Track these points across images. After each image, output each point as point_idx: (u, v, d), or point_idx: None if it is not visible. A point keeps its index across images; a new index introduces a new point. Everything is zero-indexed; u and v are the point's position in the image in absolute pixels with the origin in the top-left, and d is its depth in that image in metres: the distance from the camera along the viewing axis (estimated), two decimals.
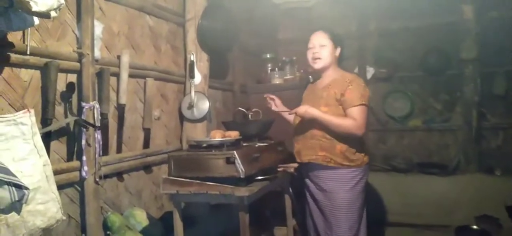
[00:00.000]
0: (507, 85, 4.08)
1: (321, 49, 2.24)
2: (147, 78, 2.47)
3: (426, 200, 3.64)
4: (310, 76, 3.35)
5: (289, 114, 2.32)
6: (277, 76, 3.57)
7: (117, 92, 2.25)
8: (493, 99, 4.14)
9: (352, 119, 2.13)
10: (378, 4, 3.91)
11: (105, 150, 2.13)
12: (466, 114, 4.06)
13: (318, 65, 2.26)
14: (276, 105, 2.50)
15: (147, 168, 2.51)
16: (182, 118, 2.82)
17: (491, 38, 3.83)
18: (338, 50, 2.28)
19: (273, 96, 2.53)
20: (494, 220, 3.79)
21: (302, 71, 3.60)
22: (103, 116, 2.08)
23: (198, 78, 2.74)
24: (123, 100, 2.24)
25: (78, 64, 1.96)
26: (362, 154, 2.24)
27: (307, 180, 2.36)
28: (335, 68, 2.30)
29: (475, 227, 3.77)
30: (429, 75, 4.21)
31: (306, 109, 2.18)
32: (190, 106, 2.70)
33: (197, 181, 1.95)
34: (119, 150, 2.28)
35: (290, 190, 2.64)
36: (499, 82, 4.06)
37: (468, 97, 4.02)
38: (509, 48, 3.83)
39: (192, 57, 2.73)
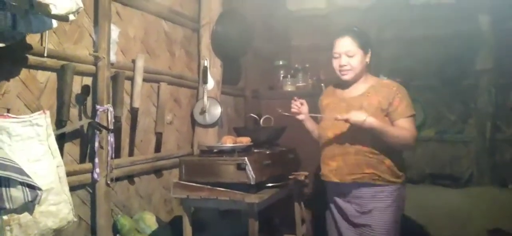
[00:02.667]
0: None
1: (350, 59, 1.97)
2: (161, 83, 2.48)
3: (439, 212, 3.58)
4: (322, 84, 3.30)
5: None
6: (289, 83, 3.55)
7: (131, 96, 2.26)
8: (508, 111, 4.06)
9: (407, 130, 1.91)
10: (395, 12, 3.88)
11: (117, 153, 2.14)
12: (480, 126, 3.99)
13: (348, 76, 2.00)
14: (303, 111, 2.19)
15: (158, 172, 2.51)
16: (194, 123, 2.82)
17: (507, 49, 3.76)
18: (369, 55, 2.02)
19: (303, 100, 2.21)
20: (507, 234, 3.72)
21: (315, 78, 3.58)
22: (117, 119, 2.09)
23: (211, 83, 2.74)
24: (136, 104, 2.25)
25: (93, 67, 1.98)
26: (404, 169, 2.05)
27: (342, 201, 2.06)
28: (367, 74, 2.06)
29: None
30: (443, 85, 4.16)
31: (365, 118, 1.84)
32: (202, 111, 2.70)
33: (208, 187, 1.94)
34: (131, 153, 2.29)
35: (300, 198, 2.61)
36: None
37: (483, 109, 3.95)
38: None
39: (206, 63, 2.74)
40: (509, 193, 3.97)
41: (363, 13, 4.01)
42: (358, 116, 1.84)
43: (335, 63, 2.02)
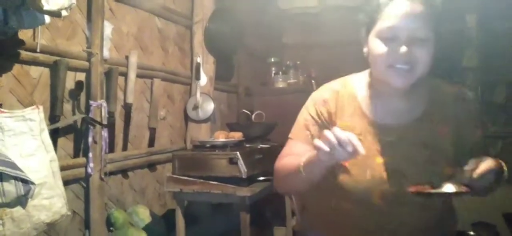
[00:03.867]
0: (507, 94, 4.04)
1: (418, 49, 1.04)
2: (154, 79, 2.46)
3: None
4: (313, 80, 3.27)
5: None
6: (281, 79, 3.56)
7: (125, 92, 2.24)
8: (493, 108, 4.10)
9: None
10: None
11: (111, 148, 2.12)
12: None
13: (406, 81, 1.06)
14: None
15: (151, 166, 2.50)
16: (187, 118, 2.81)
17: (493, 48, 3.80)
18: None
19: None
20: (491, 227, 3.76)
21: (305, 75, 3.58)
22: (110, 114, 2.07)
23: (204, 80, 2.73)
24: (130, 100, 2.24)
25: (87, 63, 1.96)
26: None
27: None
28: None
29: (472, 233, 3.74)
30: None
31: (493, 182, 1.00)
32: (195, 107, 2.69)
33: (200, 180, 1.94)
34: (124, 148, 2.27)
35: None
36: (500, 91, 4.02)
37: None
38: (510, 57, 3.79)
39: (199, 59, 2.73)
40: None
41: (355, 11, 4.01)
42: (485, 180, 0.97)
43: (381, 49, 1.05)
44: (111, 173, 2.12)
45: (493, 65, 3.90)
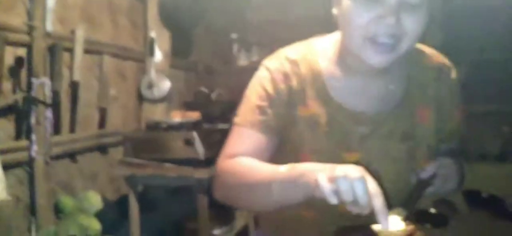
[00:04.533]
0: (469, 73, 4.28)
1: (408, 17, 0.84)
2: (103, 55, 2.42)
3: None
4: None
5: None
6: (243, 57, 3.59)
7: (71, 69, 2.20)
8: None
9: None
10: None
11: (57, 130, 2.09)
12: None
13: (389, 57, 0.87)
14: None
15: (102, 149, 2.48)
16: (141, 98, 2.79)
17: (456, 26, 3.99)
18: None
19: None
20: (451, 204, 4.02)
21: (270, 53, 3.61)
22: (55, 93, 2.03)
23: (158, 56, 2.72)
24: (77, 77, 2.20)
25: (28, 37, 1.90)
26: None
27: None
28: None
29: (433, 210, 3.98)
30: None
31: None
32: (150, 86, 2.68)
33: (155, 163, 1.95)
34: (72, 129, 2.24)
35: None
36: (462, 71, 4.24)
37: None
38: (473, 37, 4.01)
39: (153, 34, 2.70)
40: None
41: None
42: None
43: (360, 16, 0.85)
44: (58, 156, 2.09)
45: (456, 44, 4.11)
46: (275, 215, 1.03)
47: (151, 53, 2.67)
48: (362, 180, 0.69)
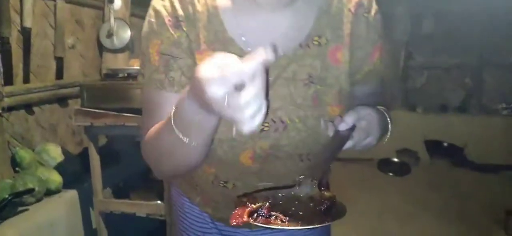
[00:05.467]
0: (434, 26, 4.32)
1: None
2: (57, 0, 2.26)
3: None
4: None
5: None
6: None
7: (21, 14, 2.04)
8: (421, 39, 4.38)
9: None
10: None
11: (9, 79, 1.96)
12: (395, 53, 4.28)
13: None
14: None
15: (61, 101, 2.37)
16: (101, 48, 2.65)
17: None
18: None
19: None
20: (413, 153, 4.17)
21: None
22: (4, 40, 1.89)
23: (118, 3, 2.56)
24: (28, 24, 2.04)
25: None
26: None
27: None
28: None
29: (395, 159, 4.12)
30: None
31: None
32: (110, 35, 2.54)
33: (113, 113, 1.87)
34: (26, 80, 2.11)
35: None
36: (428, 23, 4.29)
37: (398, 37, 4.21)
38: None
39: None
40: (417, 116, 4.40)
41: None
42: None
43: None
44: (11, 108, 1.97)
45: None
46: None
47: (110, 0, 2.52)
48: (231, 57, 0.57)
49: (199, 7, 0.81)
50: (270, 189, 0.76)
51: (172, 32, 0.81)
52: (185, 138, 0.68)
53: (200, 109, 0.62)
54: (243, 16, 0.82)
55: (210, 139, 0.72)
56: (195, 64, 0.81)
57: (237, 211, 0.68)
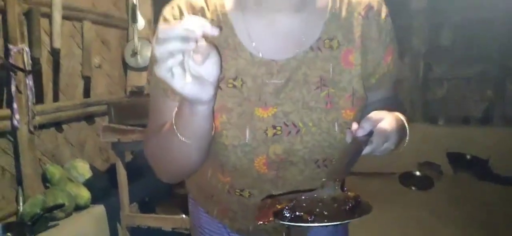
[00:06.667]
0: (453, 36, 4.25)
1: None
2: (84, 21, 2.33)
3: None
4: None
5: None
6: None
7: (51, 35, 2.11)
8: (439, 50, 4.32)
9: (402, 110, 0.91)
10: None
11: (39, 98, 2.02)
12: (414, 65, 4.23)
13: None
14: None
15: (89, 118, 2.42)
16: (126, 66, 2.71)
17: None
18: None
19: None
20: (435, 166, 4.07)
21: None
22: (35, 61, 1.95)
23: (141, 23, 2.62)
24: (57, 44, 2.11)
25: (1, 2, 1.80)
26: None
27: None
28: None
29: (418, 173, 4.03)
30: None
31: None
32: (134, 54, 2.60)
33: (139, 129, 1.90)
34: (55, 99, 2.17)
35: None
36: (446, 34, 4.23)
37: (416, 48, 4.17)
38: (457, 0, 3.96)
39: (134, 0, 2.60)
40: (438, 129, 4.31)
41: None
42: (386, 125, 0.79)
43: None
44: (42, 126, 2.03)
45: (441, 8, 4.06)
46: (198, 179, 0.94)
47: (134, 19, 2.58)
48: (163, 26, 0.59)
49: (208, 14, 0.82)
50: (291, 192, 0.75)
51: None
52: (180, 135, 0.71)
53: (184, 102, 0.66)
54: (252, 21, 0.82)
55: (202, 137, 0.73)
56: None
57: (262, 210, 0.67)
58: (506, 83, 4.24)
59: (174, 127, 0.71)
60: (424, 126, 4.15)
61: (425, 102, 4.32)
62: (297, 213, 0.66)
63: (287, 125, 0.82)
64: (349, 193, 0.71)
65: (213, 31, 0.59)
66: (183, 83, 0.61)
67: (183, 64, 0.61)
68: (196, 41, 0.59)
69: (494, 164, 3.99)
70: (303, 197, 0.70)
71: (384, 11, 0.87)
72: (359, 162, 0.79)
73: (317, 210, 0.66)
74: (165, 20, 0.83)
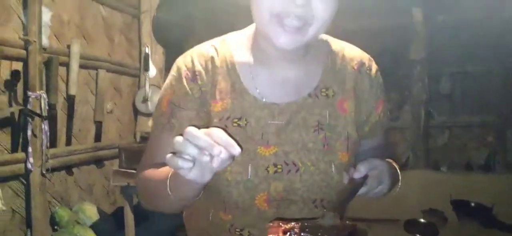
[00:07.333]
0: (452, 85, 4.35)
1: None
2: (99, 70, 2.42)
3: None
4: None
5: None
6: None
7: (67, 83, 2.19)
8: (439, 98, 4.39)
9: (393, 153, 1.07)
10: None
11: (53, 143, 2.07)
12: (415, 113, 4.29)
13: (297, 40, 0.83)
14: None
15: (98, 162, 2.46)
16: (136, 112, 2.79)
17: (438, 41, 4.06)
18: None
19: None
20: (439, 213, 4.03)
21: None
22: (51, 106, 2.02)
23: (153, 71, 2.72)
24: (73, 91, 2.19)
25: (24, 52, 1.90)
26: None
27: None
28: None
29: (422, 220, 3.98)
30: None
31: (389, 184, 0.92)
32: (145, 100, 2.67)
33: None
34: (68, 142, 2.23)
35: None
36: (445, 83, 4.32)
37: (417, 97, 4.24)
38: (455, 50, 4.08)
39: (147, 50, 2.71)
40: (441, 175, 4.30)
41: None
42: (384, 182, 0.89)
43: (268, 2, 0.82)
44: (54, 169, 2.07)
45: (439, 58, 4.18)
46: (199, 220, 0.98)
47: (146, 68, 2.68)
48: (193, 130, 0.65)
49: (218, 62, 0.91)
50: (295, 219, 0.79)
51: (186, 84, 0.89)
52: (169, 190, 0.77)
53: (185, 181, 0.71)
54: (257, 70, 0.90)
55: (187, 199, 0.80)
56: (204, 112, 0.89)
57: (272, 229, 0.74)
58: (506, 131, 4.28)
59: (168, 181, 0.77)
60: (427, 173, 4.15)
61: (427, 149, 4.34)
62: (303, 235, 0.73)
63: (287, 164, 0.88)
64: (347, 222, 0.78)
65: (237, 152, 0.66)
66: (189, 172, 0.67)
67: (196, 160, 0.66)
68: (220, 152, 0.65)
69: (498, 212, 3.95)
70: (306, 224, 0.76)
71: (374, 67, 0.98)
72: (363, 208, 0.85)
73: (319, 234, 0.74)
74: (177, 67, 0.92)
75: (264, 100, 0.89)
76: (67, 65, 2.17)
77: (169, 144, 0.79)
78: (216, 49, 0.93)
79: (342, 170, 0.88)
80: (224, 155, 0.65)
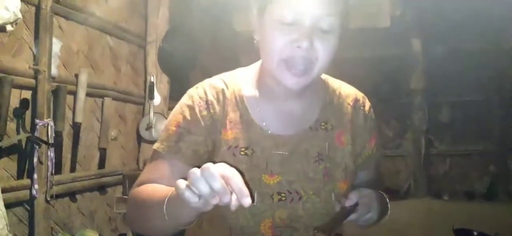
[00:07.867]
0: (452, 114, 4.38)
1: (323, 38, 0.88)
2: (105, 98, 2.46)
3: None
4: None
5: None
6: None
7: (74, 111, 2.23)
8: (440, 127, 4.42)
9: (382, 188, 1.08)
10: None
11: (58, 169, 2.09)
12: (416, 141, 4.31)
13: (303, 81, 0.90)
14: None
15: (101, 189, 2.48)
16: (140, 139, 2.81)
17: (437, 70, 4.12)
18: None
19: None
20: None
21: None
22: (58, 134, 2.05)
23: (157, 99, 2.76)
24: (79, 119, 2.23)
25: (33, 81, 1.94)
26: None
27: None
28: None
29: None
30: (379, 103, 4.46)
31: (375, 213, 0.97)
32: (149, 127, 2.71)
33: None
34: (73, 169, 2.25)
35: None
36: (445, 112, 4.36)
37: (417, 125, 4.28)
38: (454, 79, 4.13)
39: (152, 79, 2.76)
40: (443, 203, 4.29)
41: None
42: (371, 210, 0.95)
43: (275, 40, 0.88)
44: (58, 195, 2.08)
45: (439, 87, 4.23)
46: None
47: (151, 96, 2.72)
48: (212, 168, 0.67)
49: (228, 95, 0.98)
50: None
51: (198, 112, 0.95)
52: (165, 211, 0.78)
53: (186, 206, 0.72)
54: (263, 103, 0.98)
55: (182, 225, 0.81)
56: (211, 140, 0.95)
57: None
58: (507, 159, 4.28)
59: (165, 201, 0.78)
60: (429, 201, 4.14)
61: (429, 177, 4.34)
62: None
63: (290, 193, 0.94)
64: None
65: (248, 204, 0.68)
66: (194, 201, 0.68)
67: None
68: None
69: None
70: None
71: (367, 104, 1.09)
72: None
73: None
74: (190, 95, 1.00)
75: (269, 131, 0.96)
76: (74, 93, 2.21)
77: (172, 166, 0.91)
78: (225, 83, 1.00)
79: (341, 198, 0.95)
80: (234, 205, 0.68)
